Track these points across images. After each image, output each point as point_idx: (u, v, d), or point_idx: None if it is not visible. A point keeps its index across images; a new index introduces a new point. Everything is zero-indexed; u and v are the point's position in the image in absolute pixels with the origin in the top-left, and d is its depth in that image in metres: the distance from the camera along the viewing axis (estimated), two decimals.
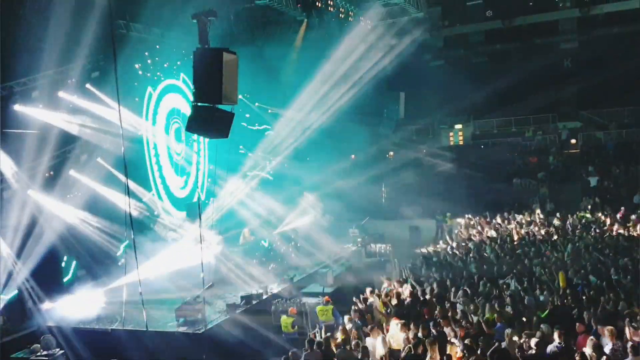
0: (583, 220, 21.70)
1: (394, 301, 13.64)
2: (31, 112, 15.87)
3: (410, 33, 31.30)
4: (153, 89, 20.51)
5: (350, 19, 21.96)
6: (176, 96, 21.83)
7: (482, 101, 30.98)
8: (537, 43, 32.06)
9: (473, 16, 32.73)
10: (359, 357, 10.19)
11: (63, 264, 17.35)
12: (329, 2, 19.82)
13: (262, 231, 22.17)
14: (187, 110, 20.53)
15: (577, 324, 10.34)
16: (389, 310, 13.07)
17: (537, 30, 32.06)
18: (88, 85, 17.56)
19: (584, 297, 12.22)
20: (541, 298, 12.67)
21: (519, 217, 23.47)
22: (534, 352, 9.25)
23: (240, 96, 20.92)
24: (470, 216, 24.84)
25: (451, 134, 34.37)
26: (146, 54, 19.79)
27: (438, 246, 21.00)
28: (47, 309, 15.74)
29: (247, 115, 24.11)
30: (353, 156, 32.72)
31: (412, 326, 11.09)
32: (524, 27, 32.07)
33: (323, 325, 13.25)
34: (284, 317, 14.06)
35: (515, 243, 19.00)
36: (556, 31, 32.19)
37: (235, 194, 22.08)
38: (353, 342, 10.82)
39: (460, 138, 34.51)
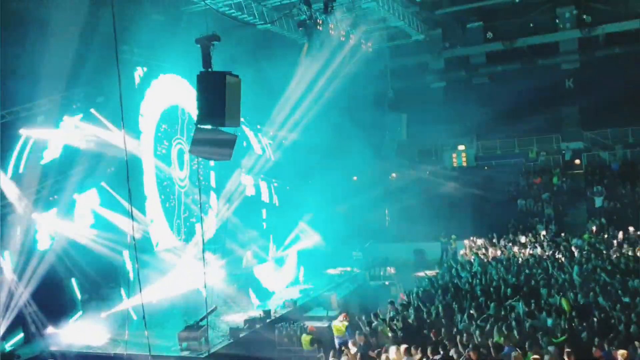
0: (590, 241, 21.54)
1: (400, 325, 13.49)
2: (36, 134, 15.90)
3: (411, 55, 31.64)
4: (155, 113, 20.55)
5: (351, 41, 22.08)
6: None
7: (484, 122, 30.98)
8: (539, 64, 32.16)
9: (473, 38, 32.91)
10: None
11: (67, 289, 17.24)
12: (330, 25, 19.92)
13: (264, 254, 22.05)
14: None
15: (594, 348, 10.16)
16: (394, 334, 12.91)
17: (538, 51, 32.18)
18: (92, 110, 17.63)
19: (594, 320, 12.05)
20: (549, 321, 12.51)
21: (523, 239, 23.33)
22: None
23: (242, 119, 21.04)
24: (474, 238, 24.76)
25: (454, 155, 34.31)
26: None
27: (443, 267, 20.85)
28: (50, 333, 15.62)
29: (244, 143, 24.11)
30: (355, 178, 32.69)
31: (418, 350, 10.94)
32: (525, 48, 32.23)
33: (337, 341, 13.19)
34: (304, 336, 14.33)
35: (521, 264, 18.84)
36: (557, 52, 32.31)
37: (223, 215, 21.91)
38: None
39: (464, 159, 34.43)
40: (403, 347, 11.09)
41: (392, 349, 11.25)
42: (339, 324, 14.24)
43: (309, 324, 15.62)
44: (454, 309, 14.22)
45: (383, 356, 11.07)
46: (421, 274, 19.99)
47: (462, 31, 32.67)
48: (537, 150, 32.74)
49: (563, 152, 31.89)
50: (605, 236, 22.11)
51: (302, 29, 19.39)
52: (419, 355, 10.68)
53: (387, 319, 14.07)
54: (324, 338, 14.78)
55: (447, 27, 32.35)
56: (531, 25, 32.10)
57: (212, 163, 22.11)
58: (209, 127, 9.69)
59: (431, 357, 10.42)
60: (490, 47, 32.79)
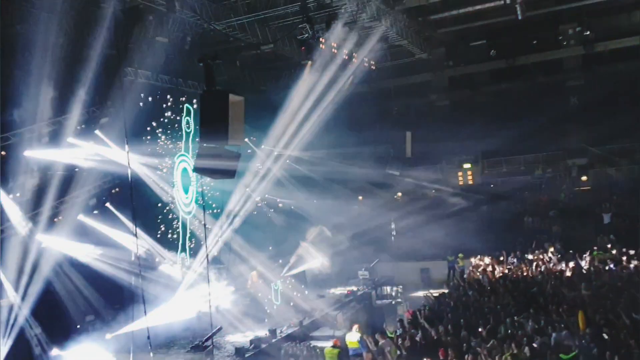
0: (600, 257, 21.34)
1: (407, 343, 13.33)
2: (41, 155, 15.97)
3: (415, 74, 31.75)
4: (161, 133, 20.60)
5: (354, 60, 22.17)
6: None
7: (490, 140, 30.90)
8: (543, 81, 32.13)
9: (477, 56, 32.99)
10: None
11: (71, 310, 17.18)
12: (332, 44, 20.04)
13: (269, 274, 21.88)
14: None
15: None
16: (401, 353, 12.76)
17: (541, 68, 32.17)
18: (97, 131, 17.74)
19: (605, 337, 11.87)
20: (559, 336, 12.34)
21: (532, 256, 23.14)
22: None
23: (246, 139, 21.05)
24: (481, 256, 24.60)
25: (460, 173, 34.22)
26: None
27: (450, 286, 20.69)
28: (55, 355, 15.51)
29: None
30: (360, 197, 32.62)
31: None
32: (529, 65, 32.24)
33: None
34: (329, 349, 14.27)
35: (529, 282, 18.68)
36: (561, 69, 32.34)
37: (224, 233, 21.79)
38: None
39: (470, 177, 34.34)
40: None
41: None
42: (353, 338, 14.47)
43: (315, 343, 15.49)
44: (461, 327, 14.06)
45: None
46: (427, 293, 19.78)
47: (465, 49, 32.75)
48: (543, 167, 32.61)
49: (569, 168, 31.73)
50: (614, 252, 21.86)
51: (304, 48, 19.54)
52: None
53: (395, 337, 13.93)
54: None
55: (450, 46, 32.47)
56: (534, 42, 32.17)
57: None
58: (212, 145, 9.69)
59: None
60: (494, 65, 32.85)
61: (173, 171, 20.53)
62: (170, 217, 20.49)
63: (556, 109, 30.72)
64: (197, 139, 10.09)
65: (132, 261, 17.27)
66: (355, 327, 15.28)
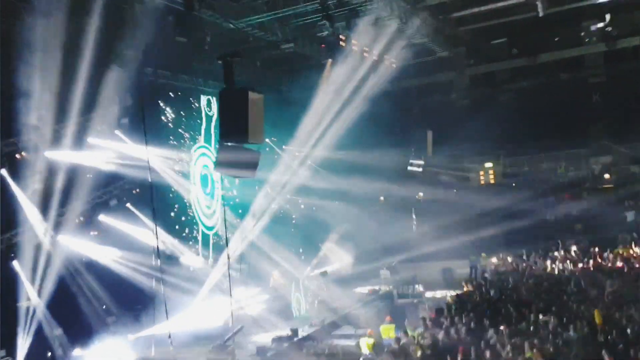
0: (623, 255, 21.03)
1: (428, 342, 13.22)
2: (61, 157, 16.10)
3: (436, 72, 31.48)
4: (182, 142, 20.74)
5: (374, 58, 22.03)
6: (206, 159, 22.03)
7: (511, 139, 30.62)
8: (564, 79, 31.68)
9: (498, 54, 32.64)
10: None
11: (93, 311, 17.30)
12: (352, 41, 19.95)
13: (293, 273, 21.87)
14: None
15: None
16: (422, 352, 12.64)
17: (563, 66, 31.72)
18: (117, 132, 17.87)
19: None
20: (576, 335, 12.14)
21: (554, 254, 22.89)
22: None
23: (267, 140, 21.04)
24: (503, 255, 24.40)
25: (482, 172, 33.90)
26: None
27: (473, 285, 20.50)
28: (77, 356, 15.64)
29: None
30: (382, 198, 32.50)
31: None
32: (550, 63, 31.80)
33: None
34: (365, 339, 14.69)
35: (552, 280, 18.47)
36: (583, 66, 31.85)
37: (248, 234, 21.78)
38: None
39: (491, 177, 34.01)
40: None
41: None
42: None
43: (337, 342, 15.47)
44: (485, 325, 13.90)
45: None
46: (448, 293, 19.66)
47: (486, 47, 32.42)
48: (565, 165, 32.18)
49: (592, 166, 31.27)
50: (638, 250, 21.51)
51: (324, 47, 19.47)
52: None
53: (416, 336, 13.83)
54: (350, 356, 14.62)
55: (471, 44, 32.16)
56: (556, 39, 31.73)
57: (237, 181, 22.17)
58: (232, 144, 9.69)
59: None
60: (515, 63, 32.48)
61: (191, 165, 20.56)
62: (191, 215, 20.59)
63: (578, 106, 30.33)
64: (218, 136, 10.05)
65: (153, 265, 17.32)
66: (388, 318, 16.02)
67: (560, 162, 32.47)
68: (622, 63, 30.63)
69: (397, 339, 13.55)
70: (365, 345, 14.65)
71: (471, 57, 32.72)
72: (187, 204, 20.70)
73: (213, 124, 21.19)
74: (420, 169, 28.54)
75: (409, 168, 28.28)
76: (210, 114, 20.92)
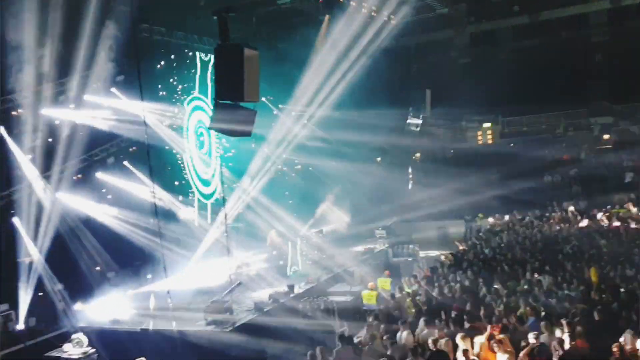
0: (620, 215, 21.17)
1: (423, 299, 13.44)
2: (57, 114, 16.05)
3: (436, 30, 31.04)
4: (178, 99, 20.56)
5: (373, 14, 21.68)
6: (202, 113, 21.83)
7: (510, 99, 30.37)
8: (566, 37, 31.27)
9: (499, 12, 32.14)
10: (388, 353, 9.98)
11: (94, 264, 17.53)
12: None
13: (288, 233, 22.03)
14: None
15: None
16: (418, 308, 12.87)
17: (565, 24, 31.25)
18: (113, 89, 17.75)
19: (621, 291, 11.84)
20: (573, 293, 12.32)
21: (551, 214, 23.05)
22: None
23: (263, 98, 20.83)
24: (499, 215, 24.57)
25: (480, 132, 33.81)
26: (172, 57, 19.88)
27: (468, 244, 20.72)
28: (78, 310, 15.91)
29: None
30: (379, 159, 32.48)
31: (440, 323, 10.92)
32: (552, 21, 31.33)
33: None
34: (367, 292, 15.26)
35: (548, 239, 18.66)
36: (586, 24, 31.38)
37: (246, 194, 21.82)
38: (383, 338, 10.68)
39: (489, 137, 33.93)
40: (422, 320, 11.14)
41: (421, 323, 11.17)
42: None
43: (332, 299, 15.76)
44: (478, 284, 14.10)
45: (404, 331, 10.96)
46: (444, 253, 19.86)
47: (487, 5, 31.90)
48: (564, 126, 32.06)
49: (591, 127, 31.16)
50: (635, 210, 21.64)
51: (322, 2, 19.12)
52: (442, 327, 10.64)
53: (412, 293, 14.05)
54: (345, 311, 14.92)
55: (472, 1, 31.67)
56: None
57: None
58: (228, 102, 9.61)
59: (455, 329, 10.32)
60: (517, 20, 32.01)
61: (184, 121, 20.49)
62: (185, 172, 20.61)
63: (580, 66, 30.03)
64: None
65: (151, 223, 17.43)
66: (387, 272, 17.18)
67: (559, 122, 32.30)
68: (626, 21, 30.19)
69: (392, 295, 13.76)
70: (367, 297, 15.08)
71: (471, 15, 32.25)
72: (183, 163, 20.68)
73: (209, 75, 20.83)
74: (418, 128, 28.39)
75: (407, 126, 28.13)
76: (206, 62, 20.54)
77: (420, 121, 28.35)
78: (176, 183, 20.14)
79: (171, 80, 20.07)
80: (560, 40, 31.37)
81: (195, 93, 20.62)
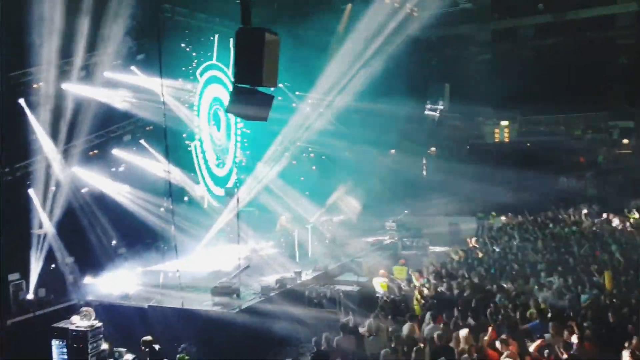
0: (632, 220, 20.99)
1: (430, 293, 13.44)
2: (77, 90, 16.14)
3: (458, 25, 30.74)
4: (196, 78, 20.62)
5: (396, 4, 21.50)
6: (218, 87, 21.92)
7: (530, 98, 30.11)
8: (591, 38, 30.82)
9: (523, 9, 31.75)
10: (392, 345, 10.00)
11: (106, 240, 17.68)
12: None
13: (297, 219, 22.07)
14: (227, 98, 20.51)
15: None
16: (426, 302, 12.87)
17: (591, 24, 30.80)
18: (133, 67, 17.83)
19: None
20: (583, 297, 12.23)
21: (564, 216, 22.90)
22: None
23: (280, 85, 20.78)
24: (511, 215, 24.46)
25: (497, 130, 33.61)
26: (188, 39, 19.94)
27: (479, 242, 20.66)
28: (87, 283, 16.08)
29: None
30: (393, 151, 32.39)
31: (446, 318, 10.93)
32: (577, 21, 30.87)
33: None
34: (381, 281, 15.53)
35: (559, 241, 18.55)
36: (612, 26, 30.90)
37: (262, 179, 21.88)
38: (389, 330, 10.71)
39: (506, 135, 33.72)
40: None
41: (427, 317, 11.18)
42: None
43: (339, 287, 15.82)
44: (486, 282, 14.06)
45: (410, 325, 10.97)
46: (452, 248, 19.83)
47: (511, 1, 31.53)
48: (583, 128, 31.74)
49: (610, 130, 30.80)
50: None
51: None
52: (448, 322, 10.64)
53: (420, 286, 14.04)
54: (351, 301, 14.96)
55: None
56: None
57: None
58: (246, 86, 9.62)
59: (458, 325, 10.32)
60: (540, 19, 31.61)
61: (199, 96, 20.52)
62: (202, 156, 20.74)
63: (602, 68, 29.64)
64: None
65: (165, 204, 17.56)
66: (402, 261, 17.71)
67: (578, 124, 31.99)
68: None
69: (399, 288, 13.77)
70: (380, 285, 15.29)
71: (495, 11, 31.90)
72: (199, 147, 20.82)
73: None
74: (436, 120, 28.19)
75: (426, 112, 27.93)
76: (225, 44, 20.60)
77: (437, 114, 28.16)
78: (190, 164, 20.28)
79: (191, 60, 20.15)
80: (584, 40, 30.94)
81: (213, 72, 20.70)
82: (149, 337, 11.02)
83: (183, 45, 19.73)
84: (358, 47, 21.45)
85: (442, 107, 28.12)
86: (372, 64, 22.64)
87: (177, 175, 19.21)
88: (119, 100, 17.43)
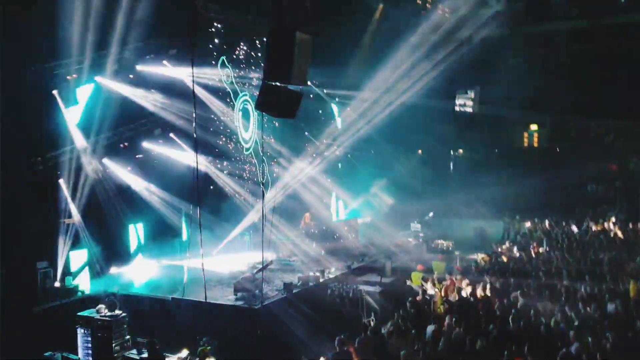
0: None
1: (454, 296, 13.36)
2: (110, 84, 16.37)
3: (490, 27, 30.38)
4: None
5: (428, 5, 21.40)
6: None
7: (560, 103, 29.65)
8: (626, 44, 30.20)
9: (557, 13, 31.23)
10: (415, 347, 9.95)
11: (131, 232, 17.94)
12: None
13: (323, 217, 22.11)
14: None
15: None
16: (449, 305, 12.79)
17: (626, 31, 30.18)
18: (165, 62, 18.02)
19: None
20: (610, 306, 12.03)
21: (592, 224, 22.56)
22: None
23: (309, 83, 20.81)
24: (538, 220, 24.19)
25: (526, 134, 33.21)
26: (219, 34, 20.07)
27: (505, 247, 20.47)
28: (113, 273, 16.34)
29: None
30: (420, 151, 32.23)
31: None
32: (612, 27, 30.27)
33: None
34: (415, 273, 16.31)
35: (587, 248, 18.31)
36: None
37: (299, 176, 21.90)
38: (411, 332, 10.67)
39: (535, 140, 33.29)
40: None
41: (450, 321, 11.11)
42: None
43: (362, 287, 15.81)
44: (511, 287, 13.92)
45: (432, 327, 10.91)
46: (478, 252, 19.71)
47: (546, 5, 31.05)
48: (614, 135, 31.15)
49: None
50: None
51: None
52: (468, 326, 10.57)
53: (443, 289, 13.97)
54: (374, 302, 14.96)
55: (530, 0, 30.85)
56: (622, 1, 30.09)
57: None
58: (275, 83, 9.65)
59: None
60: (575, 23, 31.05)
61: (235, 107, 20.71)
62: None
63: (636, 75, 29.02)
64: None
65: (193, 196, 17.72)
66: (440, 257, 19.13)
67: (609, 131, 31.41)
68: None
69: (424, 291, 13.70)
70: (414, 277, 15.94)
71: (528, 14, 31.43)
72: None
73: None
74: (469, 109, 27.89)
75: (453, 118, 27.75)
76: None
77: (466, 115, 27.97)
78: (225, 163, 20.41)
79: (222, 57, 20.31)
80: (618, 47, 30.33)
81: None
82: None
83: (217, 41, 19.84)
84: (386, 47, 21.39)
85: (469, 113, 27.91)
86: (399, 64, 22.54)
87: (207, 170, 19.39)
88: (150, 101, 17.65)
